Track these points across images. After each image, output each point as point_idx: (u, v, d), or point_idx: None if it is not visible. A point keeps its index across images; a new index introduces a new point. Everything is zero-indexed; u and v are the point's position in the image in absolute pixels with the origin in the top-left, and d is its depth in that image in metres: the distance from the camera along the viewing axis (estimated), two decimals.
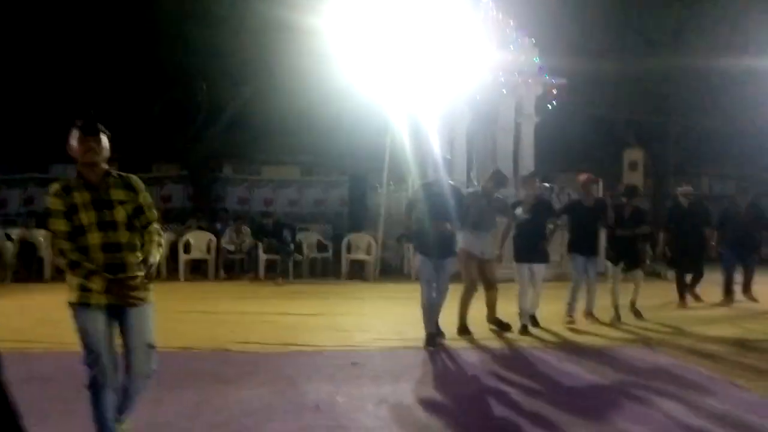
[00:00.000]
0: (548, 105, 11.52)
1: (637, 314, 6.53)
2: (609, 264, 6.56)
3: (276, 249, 9.80)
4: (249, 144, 16.60)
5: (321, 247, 11.10)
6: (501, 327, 5.85)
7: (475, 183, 11.91)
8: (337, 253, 10.70)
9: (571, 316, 6.14)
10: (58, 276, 9.93)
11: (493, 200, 5.85)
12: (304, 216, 16.25)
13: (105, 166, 2.89)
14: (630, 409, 3.67)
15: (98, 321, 2.80)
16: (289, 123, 14.94)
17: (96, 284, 2.72)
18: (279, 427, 3.39)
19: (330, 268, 10.79)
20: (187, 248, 10.19)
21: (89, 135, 2.82)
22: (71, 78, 14.38)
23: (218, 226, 11.85)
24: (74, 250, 2.76)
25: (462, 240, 5.60)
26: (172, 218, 15.53)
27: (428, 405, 3.82)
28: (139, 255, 2.92)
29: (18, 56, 13.80)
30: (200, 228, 11.27)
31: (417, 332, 5.39)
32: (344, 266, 10.21)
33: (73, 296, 2.81)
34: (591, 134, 15.45)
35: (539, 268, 5.98)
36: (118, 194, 2.88)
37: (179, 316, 6.61)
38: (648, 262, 7.59)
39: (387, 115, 10.95)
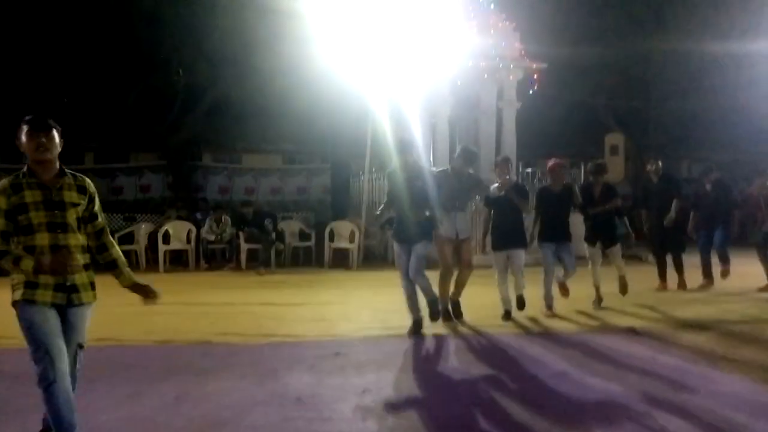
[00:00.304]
0: (529, 90, 11.52)
1: (623, 289, 6.42)
2: (587, 246, 6.47)
3: (257, 238, 9.69)
4: (229, 131, 16.35)
5: (303, 235, 11.01)
6: (455, 312, 5.68)
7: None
8: (319, 242, 10.63)
9: (550, 309, 5.99)
10: None
11: (464, 178, 5.63)
12: (286, 204, 16.12)
13: (57, 164, 2.78)
14: (603, 402, 3.62)
15: (46, 315, 2.69)
16: (270, 110, 14.73)
17: (25, 265, 2.63)
18: (259, 419, 3.33)
19: (313, 256, 10.71)
20: (167, 239, 10.04)
21: (39, 131, 2.69)
22: (45, 67, 13.98)
23: (198, 215, 11.68)
24: (4, 242, 2.66)
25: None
26: (152, 208, 15.30)
27: (411, 395, 3.79)
28: (87, 257, 2.86)
29: None
30: (180, 218, 11.11)
31: (401, 320, 5.36)
32: (327, 255, 10.14)
33: (17, 294, 2.70)
34: (572, 119, 15.50)
35: (518, 254, 5.77)
36: (71, 196, 2.77)
37: (159, 309, 6.33)
38: (632, 239, 7.47)
39: (368, 101, 10.84)
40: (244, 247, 9.76)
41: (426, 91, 11.03)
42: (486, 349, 4.90)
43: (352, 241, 10.16)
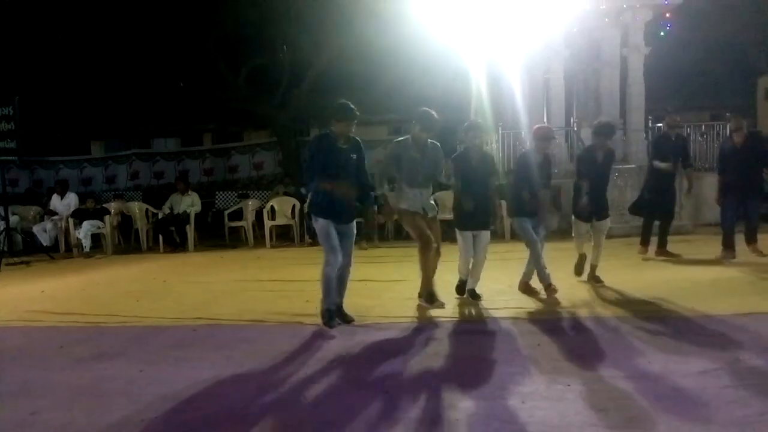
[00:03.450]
0: (661, 32, 10.03)
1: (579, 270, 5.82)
2: (575, 221, 5.76)
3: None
4: (333, 104, 16.30)
5: None
6: (430, 301, 5.01)
7: (575, 129, 10.76)
8: None
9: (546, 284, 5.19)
10: (155, 246, 10.30)
11: (428, 150, 4.92)
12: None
13: None
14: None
15: None
16: (372, 80, 14.40)
17: None
18: (341, 414, 2.95)
19: None
20: (273, 214, 10.14)
21: None
22: (160, 55, 14.74)
23: (302, 190, 11.70)
24: None
25: (395, 199, 5.04)
26: (265, 185, 15.78)
27: (514, 394, 3.19)
28: None
29: (112, 37, 14.32)
30: (286, 194, 11.18)
31: (510, 300, 4.87)
32: None
33: None
34: (714, 63, 13.41)
35: (485, 236, 5.16)
36: None
37: (258, 285, 6.48)
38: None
39: (472, 61, 10.05)
40: None
41: (537, 45, 10.01)
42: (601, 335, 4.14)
43: None
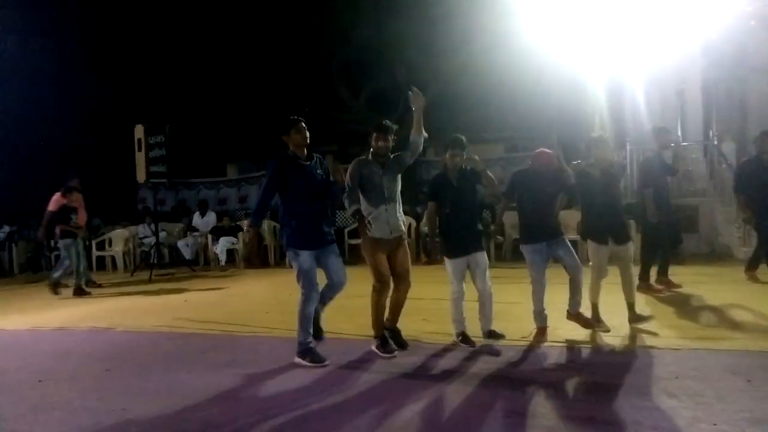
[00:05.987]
0: None
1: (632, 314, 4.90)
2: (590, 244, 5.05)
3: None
4: (450, 124, 16.34)
5: None
6: (383, 346, 4.48)
7: (715, 143, 9.87)
8: None
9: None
10: (281, 261, 10.95)
11: (391, 162, 4.53)
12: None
13: None
14: None
15: None
16: (490, 97, 14.30)
17: None
18: None
19: None
20: None
21: None
22: (289, 83, 15.81)
23: (418, 209, 11.85)
24: None
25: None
26: None
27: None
28: None
29: (248, 70, 15.64)
30: (403, 212, 11.38)
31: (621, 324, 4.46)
32: None
33: None
34: None
35: (481, 258, 4.59)
36: None
37: None
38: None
39: (593, 74, 9.62)
40: None
41: (669, 55, 9.36)
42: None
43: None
